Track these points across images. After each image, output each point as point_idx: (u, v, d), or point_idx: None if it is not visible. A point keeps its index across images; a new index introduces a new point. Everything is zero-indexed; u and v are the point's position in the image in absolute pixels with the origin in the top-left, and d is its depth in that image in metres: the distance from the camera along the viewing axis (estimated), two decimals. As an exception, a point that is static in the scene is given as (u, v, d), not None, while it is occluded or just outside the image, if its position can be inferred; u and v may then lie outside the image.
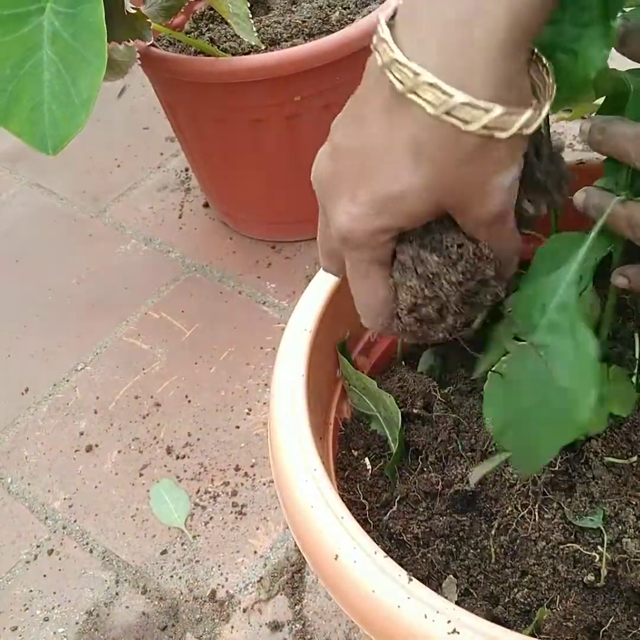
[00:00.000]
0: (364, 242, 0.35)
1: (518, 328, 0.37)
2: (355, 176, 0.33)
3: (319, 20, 0.94)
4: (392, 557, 0.39)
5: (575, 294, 0.36)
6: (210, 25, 1.00)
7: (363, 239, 0.34)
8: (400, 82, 0.30)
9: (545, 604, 0.44)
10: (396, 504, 0.50)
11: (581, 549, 0.45)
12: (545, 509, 0.47)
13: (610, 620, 0.43)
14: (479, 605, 0.45)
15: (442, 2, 0.29)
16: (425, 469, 0.52)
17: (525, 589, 0.45)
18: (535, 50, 0.33)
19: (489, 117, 0.30)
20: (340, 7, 0.96)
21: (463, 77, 0.29)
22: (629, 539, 0.45)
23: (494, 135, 0.30)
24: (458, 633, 0.35)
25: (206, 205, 1.13)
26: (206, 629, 0.70)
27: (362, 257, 0.36)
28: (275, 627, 0.69)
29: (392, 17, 0.32)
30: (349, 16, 0.94)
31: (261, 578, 0.73)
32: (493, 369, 0.38)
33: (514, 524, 0.47)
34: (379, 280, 0.37)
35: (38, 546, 0.78)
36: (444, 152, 0.31)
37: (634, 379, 0.48)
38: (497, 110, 0.30)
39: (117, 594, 0.74)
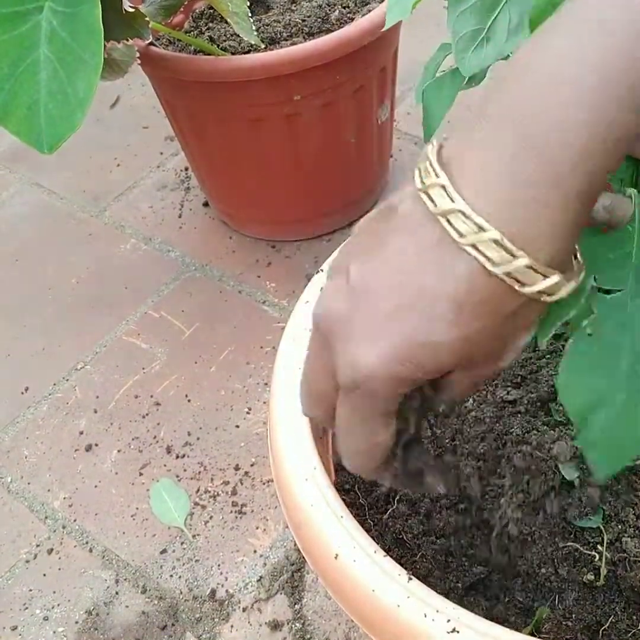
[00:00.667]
0: (379, 389, 0.31)
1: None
2: (381, 317, 0.30)
3: (319, 19, 0.94)
4: (391, 557, 0.39)
5: None
6: (210, 24, 1.00)
7: (379, 385, 0.31)
8: (459, 233, 0.28)
9: (545, 604, 0.44)
10: (396, 503, 0.50)
11: (581, 548, 0.45)
12: (545, 509, 0.46)
13: (609, 620, 0.43)
14: (479, 605, 0.45)
15: (513, 159, 0.27)
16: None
17: (525, 588, 0.45)
18: None
19: (547, 284, 0.28)
20: (339, 6, 0.96)
21: (529, 238, 0.27)
22: (629, 538, 0.44)
23: (541, 299, 0.29)
24: (458, 632, 0.35)
25: (206, 204, 1.13)
26: (206, 628, 0.70)
27: (370, 405, 0.32)
28: (275, 626, 0.69)
29: (438, 151, 0.29)
30: (348, 15, 0.94)
31: (261, 577, 0.73)
32: (576, 327, 0.32)
33: (514, 523, 0.47)
34: (380, 426, 0.33)
35: (38, 545, 0.78)
36: (489, 308, 0.29)
37: None
38: (556, 278, 0.28)
39: (117, 593, 0.74)
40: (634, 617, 0.44)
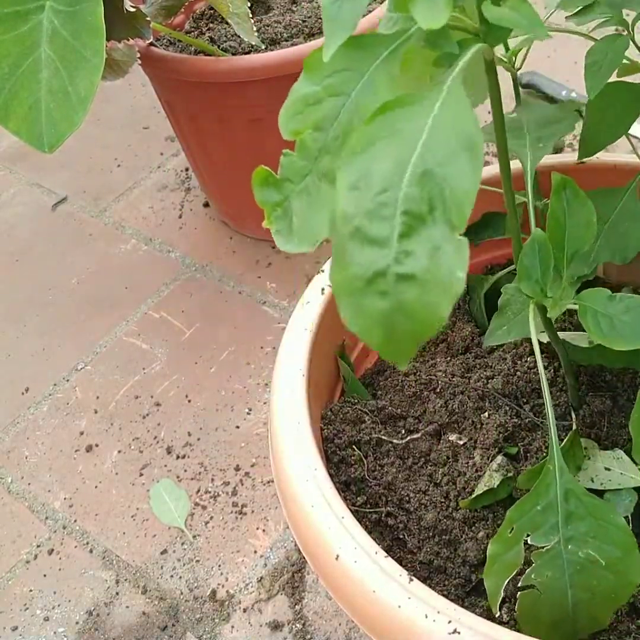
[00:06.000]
0: None
1: None
2: None
3: (319, 20, 0.94)
4: (392, 557, 0.39)
5: None
6: (211, 25, 1.00)
7: None
8: None
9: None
10: (396, 502, 0.50)
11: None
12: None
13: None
14: (480, 605, 0.45)
15: None
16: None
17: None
18: None
19: None
20: (340, 7, 0.95)
21: None
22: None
23: None
24: (459, 633, 0.35)
25: (206, 205, 1.13)
26: (206, 629, 0.70)
27: None
28: (276, 626, 0.69)
29: None
30: (349, 15, 0.94)
31: (261, 578, 0.73)
32: None
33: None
34: None
35: (38, 546, 0.78)
36: None
37: None
38: None
39: (117, 593, 0.73)
40: (634, 616, 0.44)
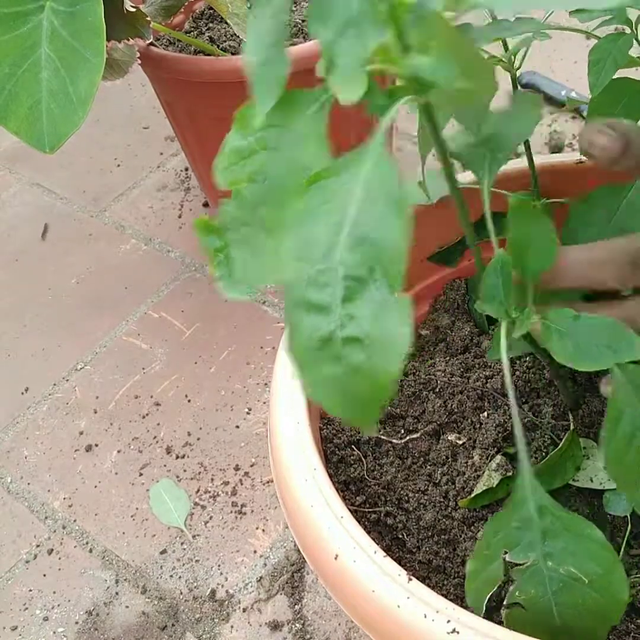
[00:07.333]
0: None
1: None
2: None
3: (319, 20, 0.93)
4: (391, 557, 0.39)
5: None
6: (210, 25, 1.00)
7: None
8: None
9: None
10: (395, 501, 0.50)
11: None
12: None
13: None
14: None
15: None
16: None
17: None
18: None
19: None
20: (340, 7, 0.95)
21: None
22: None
23: None
24: (458, 633, 0.35)
25: (206, 204, 1.13)
26: (206, 629, 0.70)
27: None
28: (275, 626, 0.69)
29: None
30: (348, 15, 0.94)
31: (261, 578, 0.73)
32: None
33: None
34: None
35: (38, 546, 0.78)
36: None
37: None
38: None
39: (117, 593, 0.73)
40: (634, 616, 0.44)
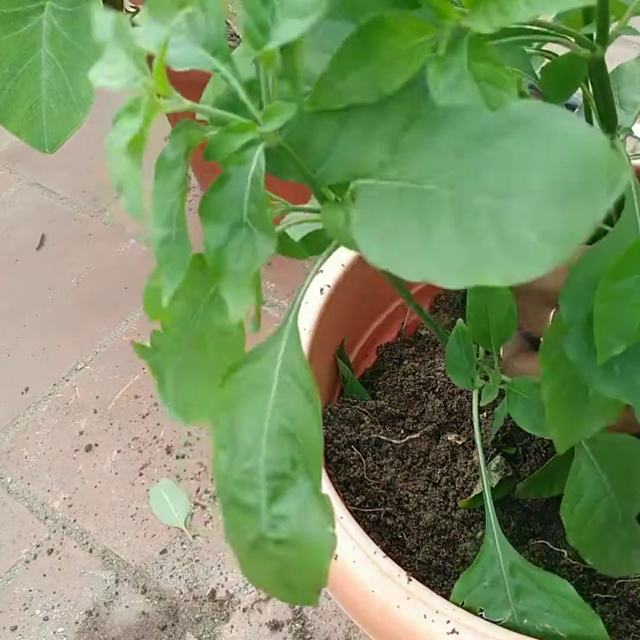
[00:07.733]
0: None
1: None
2: None
3: (319, 20, 0.94)
4: (391, 557, 0.39)
5: None
6: (210, 25, 1.00)
7: None
8: None
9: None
10: (395, 502, 0.50)
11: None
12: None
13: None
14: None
15: None
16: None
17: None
18: None
19: None
20: (340, 7, 0.96)
21: None
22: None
23: None
24: (457, 633, 0.35)
25: (206, 204, 1.12)
26: (206, 629, 0.70)
27: None
28: (275, 626, 0.69)
29: None
30: (349, 15, 0.94)
31: (261, 578, 0.73)
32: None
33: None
34: None
35: (38, 546, 0.78)
36: None
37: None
38: None
39: (117, 593, 0.73)
40: (633, 616, 0.44)
